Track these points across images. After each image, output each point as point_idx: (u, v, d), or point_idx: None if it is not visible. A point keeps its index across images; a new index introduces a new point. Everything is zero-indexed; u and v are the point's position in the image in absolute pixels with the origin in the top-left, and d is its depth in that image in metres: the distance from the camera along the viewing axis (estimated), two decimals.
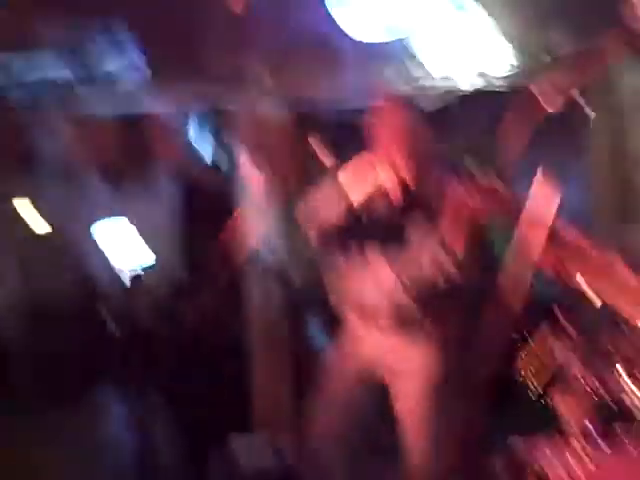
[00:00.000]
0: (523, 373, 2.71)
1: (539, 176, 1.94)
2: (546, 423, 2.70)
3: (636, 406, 2.58)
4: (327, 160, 3.61)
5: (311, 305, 4.94)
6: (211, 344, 4.59)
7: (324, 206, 3.40)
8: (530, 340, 2.73)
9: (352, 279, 3.41)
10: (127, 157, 5.69)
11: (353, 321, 3.44)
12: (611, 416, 2.66)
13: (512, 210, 2.82)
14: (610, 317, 2.64)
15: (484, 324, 3.20)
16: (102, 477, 4.59)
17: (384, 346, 3.36)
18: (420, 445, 3.26)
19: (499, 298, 3.00)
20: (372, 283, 3.33)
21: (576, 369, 2.64)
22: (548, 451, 2.54)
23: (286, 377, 4.71)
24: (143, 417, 3.64)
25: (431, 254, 3.21)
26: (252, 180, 4.84)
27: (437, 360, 3.28)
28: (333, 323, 4.46)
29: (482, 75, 5.66)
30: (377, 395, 3.44)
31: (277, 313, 4.71)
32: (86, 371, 7.21)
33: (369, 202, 3.31)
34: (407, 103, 4.00)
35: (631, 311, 2.01)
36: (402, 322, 3.30)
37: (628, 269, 2.42)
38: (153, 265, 7.26)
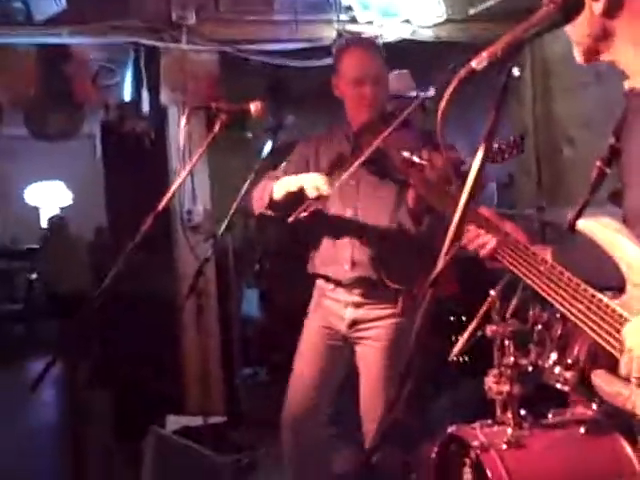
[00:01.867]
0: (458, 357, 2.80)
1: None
2: (480, 407, 2.82)
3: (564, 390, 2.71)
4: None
5: (246, 269, 4.96)
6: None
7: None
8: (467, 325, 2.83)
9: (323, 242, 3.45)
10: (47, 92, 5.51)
11: (322, 285, 3.48)
12: (540, 399, 2.80)
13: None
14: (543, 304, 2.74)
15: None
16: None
17: (351, 313, 3.40)
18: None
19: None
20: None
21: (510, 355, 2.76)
22: (481, 434, 2.66)
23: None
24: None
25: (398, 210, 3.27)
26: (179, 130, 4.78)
27: (400, 325, 3.35)
28: (269, 290, 4.50)
29: (408, 24, 5.67)
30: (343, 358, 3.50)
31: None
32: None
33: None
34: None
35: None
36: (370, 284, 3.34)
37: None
38: (70, 205, 7.16)
